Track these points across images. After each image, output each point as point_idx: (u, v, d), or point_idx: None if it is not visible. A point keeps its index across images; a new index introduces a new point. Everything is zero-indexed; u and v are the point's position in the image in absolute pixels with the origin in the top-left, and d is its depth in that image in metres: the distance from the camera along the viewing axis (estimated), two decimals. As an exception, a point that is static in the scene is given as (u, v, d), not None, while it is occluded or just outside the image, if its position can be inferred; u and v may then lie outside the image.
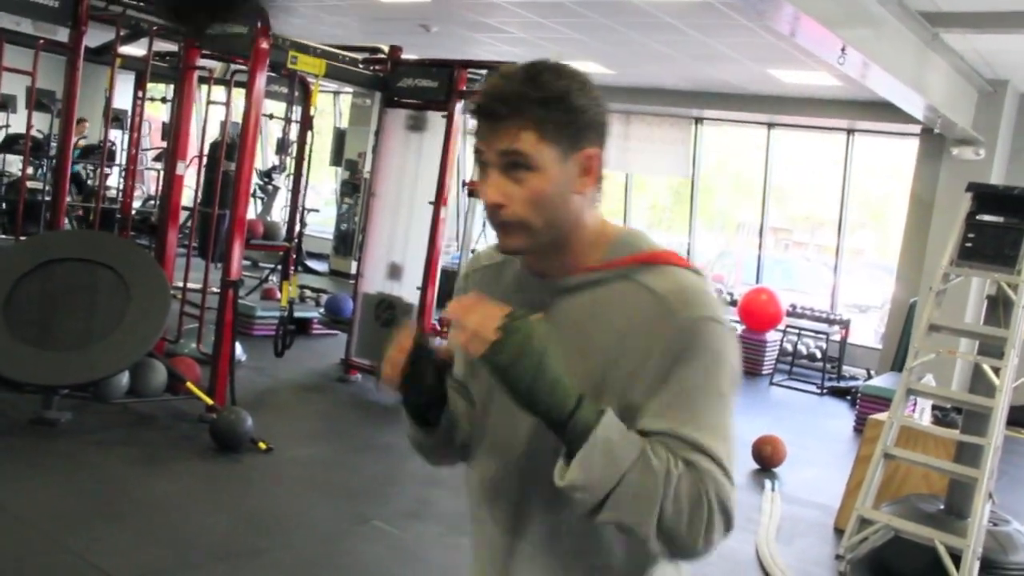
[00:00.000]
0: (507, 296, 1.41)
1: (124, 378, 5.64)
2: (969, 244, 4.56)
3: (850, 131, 11.53)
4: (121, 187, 9.61)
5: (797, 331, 10.75)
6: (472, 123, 1.38)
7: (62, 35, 7.02)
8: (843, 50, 6.19)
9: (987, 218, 4.56)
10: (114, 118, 8.11)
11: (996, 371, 4.37)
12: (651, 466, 1.24)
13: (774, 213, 14.42)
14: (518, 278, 1.49)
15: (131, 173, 8.96)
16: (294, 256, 7.91)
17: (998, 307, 4.49)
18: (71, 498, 4.45)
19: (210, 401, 5.71)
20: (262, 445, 5.40)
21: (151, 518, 4.39)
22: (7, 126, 11.56)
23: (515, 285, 1.48)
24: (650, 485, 1.23)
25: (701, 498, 1.24)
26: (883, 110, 9.07)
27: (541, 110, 1.31)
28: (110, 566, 3.79)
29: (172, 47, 7.21)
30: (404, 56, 7.74)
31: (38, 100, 8.61)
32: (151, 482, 4.82)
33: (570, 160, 1.34)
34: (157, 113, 13.26)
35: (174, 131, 6.50)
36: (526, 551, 1.45)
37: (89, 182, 12.30)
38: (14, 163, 11.69)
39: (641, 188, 15.39)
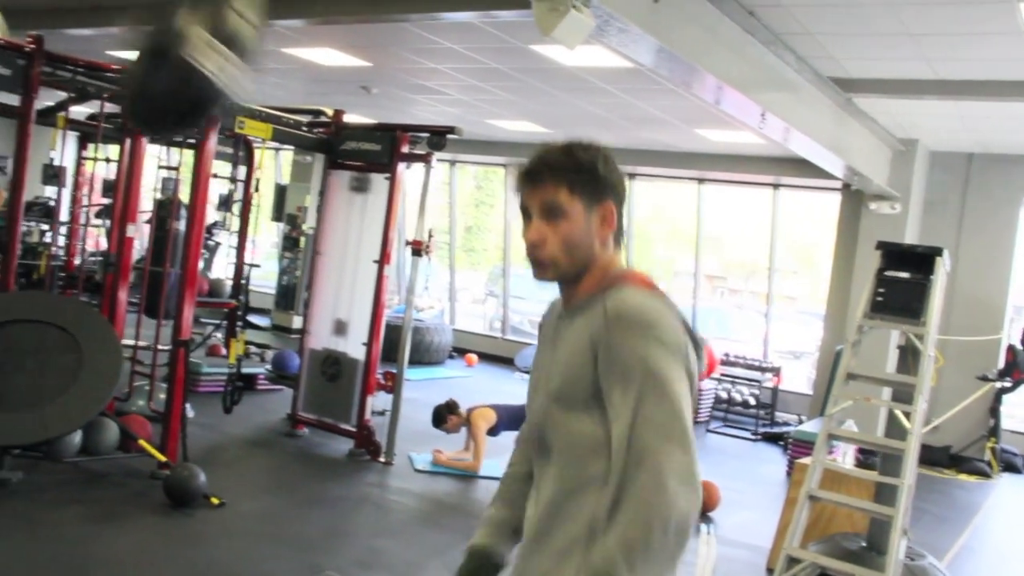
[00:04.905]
0: (553, 323, 1.90)
1: (76, 437, 5.73)
2: (880, 298, 4.92)
3: (776, 186, 12.07)
4: (61, 244, 9.68)
5: (732, 379, 11.13)
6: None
7: (6, 97, 7.10)
8: (763, 115, 6.63)
9: (895, 274, 4.94)
10: (53, 175, 8.21)
11: (908, 415, 4.71)
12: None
13: (709, 261, 14.89)
14: (558, 310, 1.92)
15: (75, 232, 9.06)
16: (240, 313, 8.05)
17: (908, 356, 4.85)
18: (25, 558, 4.51)
19: (163, 458, 5.81)
20: (215, 500, 5.52)
21: None
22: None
23: (558, 315, 1.91)
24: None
25: (649, 524, 1.58)
26: (806, 167, 9.52)
27: (573, 174, 1.78)
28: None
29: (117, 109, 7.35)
30: (345, 116, 7.96)
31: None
32: (106, 540, 4.90)
33: (593, 212, 1.80)
34: (93, 169, 13.25)
35: (125, 193, 6.62)
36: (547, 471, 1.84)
37: (27, 239, 12.24)
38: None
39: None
